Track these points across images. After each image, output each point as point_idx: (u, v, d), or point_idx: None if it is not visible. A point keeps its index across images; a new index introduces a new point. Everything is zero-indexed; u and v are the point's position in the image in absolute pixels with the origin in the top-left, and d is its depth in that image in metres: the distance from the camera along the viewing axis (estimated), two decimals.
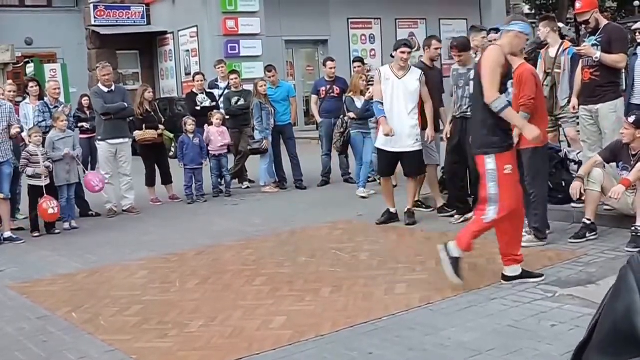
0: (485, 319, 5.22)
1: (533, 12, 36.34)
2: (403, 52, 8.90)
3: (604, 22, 8.26)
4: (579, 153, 8.60)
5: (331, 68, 12.92)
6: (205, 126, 12.37)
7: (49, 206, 9.61)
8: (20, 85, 15.01)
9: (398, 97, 8.88)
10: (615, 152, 7.34)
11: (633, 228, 6.90)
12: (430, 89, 9.06)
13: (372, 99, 9.74)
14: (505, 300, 5.62)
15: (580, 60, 8.24)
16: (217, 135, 12.23)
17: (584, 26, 8.27)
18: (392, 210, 9.14)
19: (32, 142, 9.86)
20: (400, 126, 8.85)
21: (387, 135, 8.79)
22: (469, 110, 8.32)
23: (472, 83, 8.16)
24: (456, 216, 8.82)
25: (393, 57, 9.16)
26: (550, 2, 35.04)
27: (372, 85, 10.47)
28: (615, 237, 7.36)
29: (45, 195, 9.63)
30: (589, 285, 5.83)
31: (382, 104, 8.90)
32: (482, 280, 6.21)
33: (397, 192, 9.48)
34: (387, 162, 9.13)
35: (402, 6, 26.92)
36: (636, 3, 32.90)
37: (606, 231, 7.58)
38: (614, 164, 7.55)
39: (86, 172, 10.92)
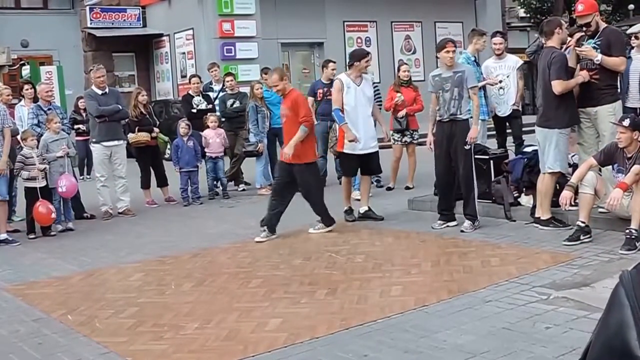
0: (480, 321, 5.23)
1: (528, 15, 36.36)
2: (368, 61, 9.52)
3: (602, 25, 8.23)
4: (573, 156, 8.61)
5: (333, 70, 12.87)
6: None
7: (51, 210, 9.62)
8: (15, 88, 15.02)
9: (361, 104, 9.44)
10: (610, 155, 7.34)
11: (627, 231, 6.91)
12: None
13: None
14: (500, 302, 5.62)
15: (579, 63, 8.20)
16: (215, 138, 12.23)
17: (584, 29, 8.22)
18: (350, 206, 9.72)
19: (26, 145, 9.85)
20: (365, 130, 9.45)
21: (352, 141, 9.23)
22: (458, 112, 8.45)
23: (463, 84, 8.34)
24: (439, 222, 8.80)
25: (353, 65, 9.54)
26: (546, 5, 35.06)
27: None
28: (610, 239, 7.37)
29: (41, 199, 9.62)
30: (583, 288, 5.84)
31: (341, 111, 9.29)
32: (477, 283, 6.22)
33: (390, 194, 9.46)
34: (354, 164, 9.56)
35: (398, 9, 26.95)
36: (631, 6, 32.96)
37: (600, 234, 7.60)
38: (609, 167, 7.56)
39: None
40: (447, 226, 8.71)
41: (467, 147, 8.45)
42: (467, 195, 8.57)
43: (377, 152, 9.68)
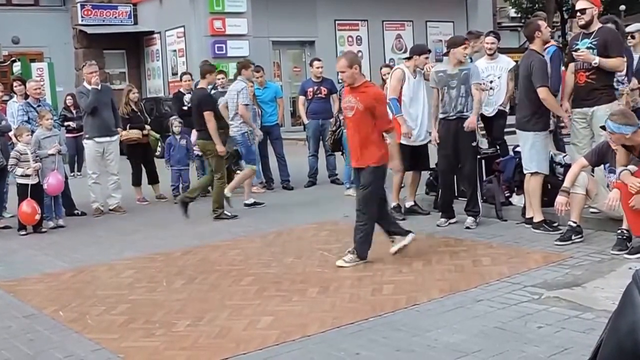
0: (471, 320, 5.24)
1: (519, 15, 36.48)
2: (427, 58, 9.43)
3: (597, 24, 8.15)
4: (565, 156, 8.61)
5: (318, 68, 12.93)
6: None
7: (35, 210, 9.59)
8: (7, 84, 14.98)
9: (417, 96, 9.30)
10: (602, 155, 7.34)
11: (619, 231, 6.92)
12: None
13: None
14: (491, 302, 5.64)
15: (574, 63, 8.17)
16: None
17: (578, 14, 8.10)
18: (398, 203, 9.47)
19: (21, 141, 9.81)
20: (421, 121, 9.37)
21: (405, 134, 9.05)
22: (465, 109, 8.46)
23: (469, 81, 8.32)
24: (442, 219, 8.82)
25: (412, 58, 9.43)
26: (537, 5, 35.16)
27: None
28: (601, 239, 7.39)
29: (28, 198, 9.58)
30: (575, 288, 5.86)
31: (398, 101, 9.09)
32: (469, 282, 6.23)
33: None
34: (409, 155, 9.14)
35: (389, 8, 27.00)
36: (622, 7, 33.10)
37: (592, 234, 7.62)
38: (601, 167, 7.57)
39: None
40: (449, 223, 8.74)
41: (474, 143, 8.50)
42: (472, 191, 8.60)
43: (426, 145, 9.54)
